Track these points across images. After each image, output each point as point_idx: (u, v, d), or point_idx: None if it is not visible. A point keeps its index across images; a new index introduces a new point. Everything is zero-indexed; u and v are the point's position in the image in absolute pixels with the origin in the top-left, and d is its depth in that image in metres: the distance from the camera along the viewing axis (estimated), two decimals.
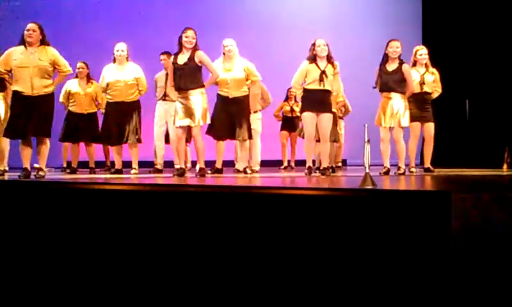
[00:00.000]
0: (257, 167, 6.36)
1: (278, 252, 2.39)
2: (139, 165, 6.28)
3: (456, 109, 8.41)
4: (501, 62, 8.03)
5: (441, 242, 2.14)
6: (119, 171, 6.05)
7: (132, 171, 6.00)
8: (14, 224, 2.79)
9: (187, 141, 6.58)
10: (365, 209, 2.32)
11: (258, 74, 6.02)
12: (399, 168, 5.47)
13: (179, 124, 5.30)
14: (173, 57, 5.37)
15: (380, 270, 2.23)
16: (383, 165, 5.49)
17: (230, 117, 5.73)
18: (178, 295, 2.52)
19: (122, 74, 5.91)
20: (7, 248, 2.78)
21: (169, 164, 6.97)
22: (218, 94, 5.83)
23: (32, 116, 4.88)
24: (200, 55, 5.23)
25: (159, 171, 6.47)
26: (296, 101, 7.63)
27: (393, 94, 5.47)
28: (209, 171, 5.67)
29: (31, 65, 4.86)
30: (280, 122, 8.01)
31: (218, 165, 5.75)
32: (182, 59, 5.24)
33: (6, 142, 5.66)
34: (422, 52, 5.86)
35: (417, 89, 5.67)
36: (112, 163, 7.27)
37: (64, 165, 7.18)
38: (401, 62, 5.49)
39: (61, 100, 6.67)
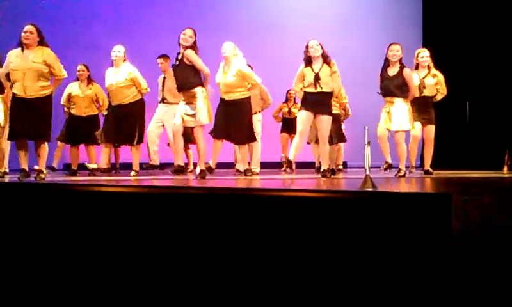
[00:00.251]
0: (258, 169, 6.35)
1: (278, 254, 2.38)
2: (127, 167, 6.29)
3: (457, 111, 8.41)
4: (502, 64, 8.03)
5: (442, 244, 2.14)
6: (96, 170, 6.01)
7: (132, 173, 6.00)
8: (14, 227, 2.79)
9: (190, 142, 6.59)
10: (366, 211, 2.32)
11: (256, 78, 5.92)
12: (399, 170, 5.46)
13: (179, 122, 5.27)
14: (175, 58, 5.35)
15: (380, 273, 2.22)
16: (385, 161, 5.47)
17: (227, 119, 5.67)
18: (179, 297, 2.52)
19: (116, 77, 5.94)
20: (7, 250, 2.77)
21: (167, 166, 6.98)
22: (220, 97, 5.83)
23: (29, 119, 4.87)
24: (187, 55, 5.12)
25: (155, 167, 6.44)
26: (295, 102, 7.63)
27: (395, 99, 5.45)
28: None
29: (24, 68, 4.85)
30: (280, 123, 8.01)
31: (212, 164, 5.65)
32: (178, 58, 5.23)
33: (7, 144, 5.67)
34: (424, 54, 5.85)
35: (417, 93, 5.66)
36: (114, 165, 7.28)
37: (54, 165, 7.10)
38: (402, 67, 5.46)
39: (62, 102, 6.68)
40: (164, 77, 6.70)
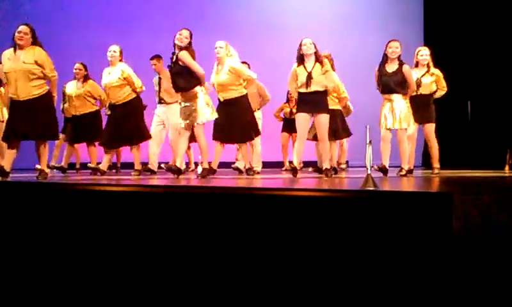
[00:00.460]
0: (259, 167, 6.35)
1: (279, 254, 2.38)
2: (129, 166, 6.28)
3: (458, 110, 8.40)
4: (503, 63, 8.02)
5: (443, 243, 2.14)
6: (96, 170, 6.01)
7: (133, 173, 6.00)
8: (15, 226, 2.79)
9: (190, 141, 6.58)
10: (367, 210, 2.31)
11: (250, 73, 5.90)
12: (401, 169, 5.47)
13: (183, 125, 5.28)
14: (170, 58, 5.32)
15: (382, 272, 2.22)
16: (381, 163, 5.47)
17: (227, 120, 5.64)
18: (181, 296, 2.52)
19: (110, 76, 5.96)
20: (8, 250, 2.78)
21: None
22: (217, 98, 5.82)
23: (26, 120, 4.84)
24: (181, 56, 5.11)
25: (153, 172, 6.45)
26: (296, 103, 7.63)
27: (395, 96, 5.46)
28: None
29: (15, 69, 4.83)
30: (281, 123, 8.00)
31: (213, 165, 5.65)
32: (173, 60, 5.22)
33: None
34: (424, 52, 5.85)
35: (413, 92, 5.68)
36: (115, 164, 7.28)
37: (53, 163, 7.11)
38: (401, 63, 5.47)
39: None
40: (160, 78, 6.70)
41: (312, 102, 5.23)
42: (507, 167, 6.46)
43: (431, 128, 5.79)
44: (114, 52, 5.97)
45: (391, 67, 5.48)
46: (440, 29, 8.77)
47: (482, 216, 2.20)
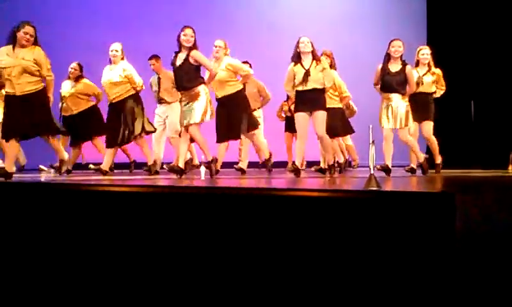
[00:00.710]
0: (267, 154, 6.30)
1: (282, 254, 2.39)
2: (137, 166, 6.28)
3: (462, 109, 8.39)
4: (507, 63, 8.00)
5: (446, 243, 2.13)
6: (100, 170, 6.03)
7: (145, 169, 6.08)
8: (17, 227, 2.80)
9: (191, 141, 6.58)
10: (370, 211, 2.31)
11: (247, 68, 5.98)
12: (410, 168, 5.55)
13: (185, 124, 5.28)
14: (172, 57, 5.32)
15: (385, 272, 2.22)
16: (384, 163, 5.48)
17: (225, 119, 5.67)
18: (181, 299, 2.52)
19: (110, 74, 5.98)
20: (13, 252, 2.78)
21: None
22: (215, 98, 5.83)
23: (23, 117, 4.87)
24: (195, 55, 5.14)
25: (156, 172, 6.46)
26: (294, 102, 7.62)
27: (394, 95, 5.47)
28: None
29: (14, 65, 4.87)
30: (283, 122, 7.99)
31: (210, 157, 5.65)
32: (180, 59, 5.21)
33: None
34: (425, 51, 5.88)
35: (414, 89, 5.68)
36: (132, 163, 7.29)
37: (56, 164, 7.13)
38: (404, 64, 5.48)
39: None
40: (159, 78, 6.70)
41: (310, 100, 5.24)
42: (510, 167, 6.45)
43: (429, 126, 5.81)
44: (116, 51, 6.00)
45: (394, 66, 5.48)
46: (443, 29, 8.74)
47: (485, 216, 2.19)
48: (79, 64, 6.71)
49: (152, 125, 6.29)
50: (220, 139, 5.78)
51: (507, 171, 6.26)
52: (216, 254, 2.48)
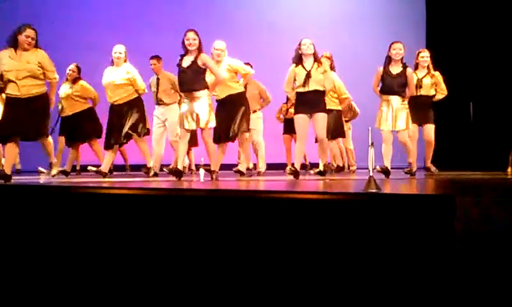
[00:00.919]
0: (263, 168, 6.35)
1: (281, 256, 2.38)
2: (137, 168, 6.27)
3: (460, 111, 8.39)
4: (506, 64, 8.01)
5: (446, 245, 2.13)
6: (100, 172, 6.02)
7: (143, 170, 6.07)
8: (15, 229, 2.79)
9: (193, 145, 6.59)
10: (370, 213, 2.31)
11: (248, 68, 5.99)
12: (409, 167, 5.55)
13: (187, 127, 5.27)
14: (178, 59, 5.32)
15: (384, 274, 2.22)
16: (383, 164, 5.49)
17: (224, 118, 5.66)
18: (182, 300, 2.52)
19: (114, 75, 5.98)
20: (9, 254, 2.78)
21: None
22: (215, 99, 5.83)
23: (24, 118, 4.89)
24: (204, 58, 5.18)
25: (155, 174, 6.47)
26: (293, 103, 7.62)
27: (394, 98, 5.48)
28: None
29: (19, 68, 4.89)
30: (282, 124, 7.99)
31: (215, 167, 5.67)
32: (186, 61, 5.21)
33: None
34: (424, 54, 5.91)
35: (414, 93, 5.69)
36: (129, 166, 7.29)
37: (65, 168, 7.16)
38: (405, 66, 5.50)
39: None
40: (158, 79, 6.70)
41: (310, 101, 5.26)
42: (509, 169, 6.44)
43: (430, 129, 5.83)
44: (120, 53, 6.00)
45: (395, 69, 5.50)
46: (442, 31, 8.75)
47: (485, 219, 2.19)
48: (76, 66, 6.71)
49: (147, 127, 6.26)
50: (219, 141, 5.77)
51: (506, 173, 6.25)
52: (215, 257, 2.48)
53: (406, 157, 5.87)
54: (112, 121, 6.07)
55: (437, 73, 5.93)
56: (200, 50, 5.18)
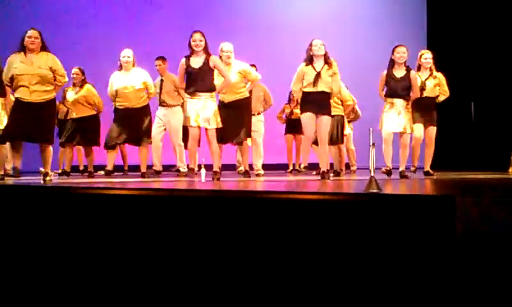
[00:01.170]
0: (261, 171, 6.36)
1: (282, 256, 2.38)
2: (136, 169, 6.27)
3: (462, 111, 8.38)
4: (507, 64, 8.00)
5: (447, 246, 2.13)
6: (109, 172, 6.02)
7: (141, 174, 6.05)
8: (15, 229, 2.79)
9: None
10: (371, 213, 2.31)
11: (257, 74, 6.02)
12: (407, 170, 5.54)
13: (195, 124, 5.26)
14: (184, 60, 5.29)
15: (385, 274, 2.22)
16: (386, 166, 5.49)
17: (230, 121, 5.64)
18: (182, 300, 2.52)
19: (129, 80, 5.93)
20: (9, 253, 2.78)
21: (166, 168, 7.00)
22: (219, 100, 5.84)
23: (32, 122, 4.93)
24: (215, 61, 5.25)
25: (158, 173, 6.45)
26: (297, 103, 7.61)
27: (398, 101, 5.49)
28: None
29: (30, 72, 4.94)
30: (284, 125, 7.99)
31: (218, 168, 5.67)
32: (196, 62, 5.21)
33: (7, 147, 5.67)
34: (427, 56, 5.89)
35: (417, 95, 5.69)
36: (129, 167, 7.29)
37: (60, 171, 7.22)
38: (408, 69, 5.51)
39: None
40: (162, 80, 6.70)
41: (317, 102, 5.26)
42: (511, 169, 6.43)
43: (433, 131, 5.84)
44: (129, 57, 5.96)
45: (399, 72, 5.51)
46: (444, 31, 8.75)
47: (485, 219, 2.19)
48: (80, 69, 6.71)
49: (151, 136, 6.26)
50: (221, 140, 5.77)
51: (508, 173, 6.24)
52: (216, 256, 2.48)
53: (408, 158, 5.86)
54: (117, 124, 6.01)
55: (440, 75, 5.92)
56: (206, 51, 5.21)
